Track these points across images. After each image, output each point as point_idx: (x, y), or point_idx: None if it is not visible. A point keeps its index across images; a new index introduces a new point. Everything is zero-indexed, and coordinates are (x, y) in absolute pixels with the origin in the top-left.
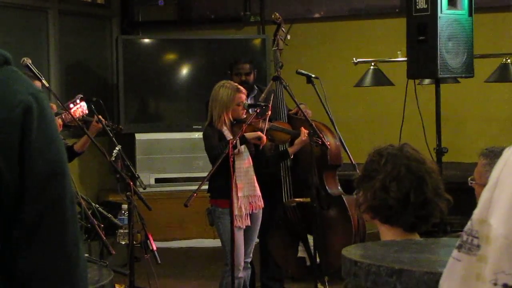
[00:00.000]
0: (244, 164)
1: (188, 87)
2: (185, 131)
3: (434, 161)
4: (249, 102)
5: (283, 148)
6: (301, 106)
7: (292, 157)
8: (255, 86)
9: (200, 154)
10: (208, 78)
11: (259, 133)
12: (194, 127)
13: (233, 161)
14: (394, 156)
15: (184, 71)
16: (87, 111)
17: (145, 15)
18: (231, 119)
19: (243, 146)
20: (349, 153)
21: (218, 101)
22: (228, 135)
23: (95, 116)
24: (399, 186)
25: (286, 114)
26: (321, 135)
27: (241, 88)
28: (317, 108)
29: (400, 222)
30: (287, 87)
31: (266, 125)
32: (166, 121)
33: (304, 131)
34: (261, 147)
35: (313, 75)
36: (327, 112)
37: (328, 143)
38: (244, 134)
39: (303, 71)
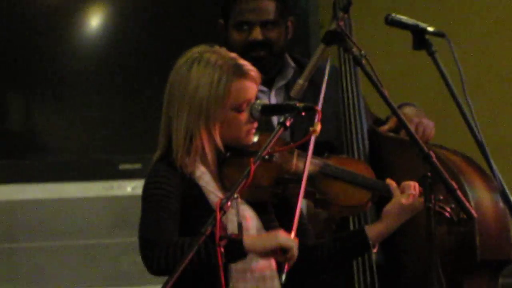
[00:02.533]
0: (252, 260)
1: (109, 68)
2: (99, 179)
3: None
4: (269, 99)
5: (357, 224)
6: (406, 112)
7: (376, 249)
8: (289, 59)
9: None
10: (161, 42)
11: (281, 237)
12: (121, 167)
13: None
14: None
15: (95, 24)
16: None
17: None
18: (220, 144)
19: (252, 219)
20: None
21: (187, 100)
22: (212, 189)
23: None
24: None
25: (365, 132)
26: (455, 189)
27: (247, 65)
28: (442, 112)
29: None
30: (362, 61)
31: (309, 165)
32: (52, 154)
33: (409, 185)
34: (288, 265)
35: (431, 29)
36: (467, 123)
37: (473, 207)
38: (245, 241)
39: (403, 19)
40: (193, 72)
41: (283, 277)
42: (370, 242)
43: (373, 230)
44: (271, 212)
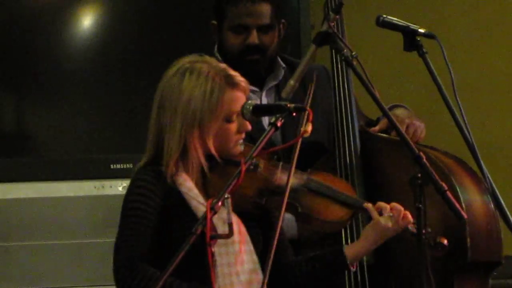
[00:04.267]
0: (238, 264)
1: (101, 68)
2: (90, 178)
3: None
4: (260, 99)
5: (349, 235)
6: (397, 113)
7: (354, 267)
8: (279, 60)
9: None
10: (153, 43)
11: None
12: (112, 167)
13: (214, 258)
14: None
15: (88, 24)
16: None
17: None
18: (215, 153)
19: (236, 225)
20: None
21: (180, 111)
22: (194, 195)
23: None
24: None
25: (357, 132)
26: (445, 190)
27: (237, 76)
28: (432, 113)
29: None
30: (353, 62)
31: (291, 179)
32: (43, 153)
33: (386, 207)
34: None
35: (421, 30)
36: (457, 124)
37: (464, 209)
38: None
39: (394, 20)
40: (185, 83)
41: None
42: (348, 262)
43: (352, 250)
44: (254, 220)
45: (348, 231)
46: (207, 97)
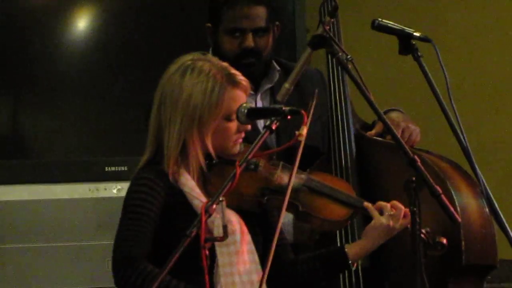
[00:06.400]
0: (240, 263)
1: (96, 71)
2: (85, 180)
3: None
4: (255, 102)
5: (344, 236)
6: (392, 116)
7: (355, 266)
8: (274, 63)
9: None
10: (149, 45)
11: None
12: (107, 169)
13: (210, 258)
14: None
15: (83, 26)
16: None
17: None
18: (212, 152)
19: (237, 224)
20: None
21: (180, 108)
22: (196, 195)
23: None
24: None
25: (353, 136)
26: (440, 194)
27: (239, 75)
28: (427, 116)
29: None
30: (348, 65)
31: (292, 178)
32: (38, 155)
33: (386, 206)
34: None
35: (417, 34)
36: (452, 128)
37: (459, 212)
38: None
39: (390, 24)
40: (186, 80)
41: None
42: (350, 261)
43: (353, 249)
44: (254, 219)
45: (343, 235)
46: (207, 95)
